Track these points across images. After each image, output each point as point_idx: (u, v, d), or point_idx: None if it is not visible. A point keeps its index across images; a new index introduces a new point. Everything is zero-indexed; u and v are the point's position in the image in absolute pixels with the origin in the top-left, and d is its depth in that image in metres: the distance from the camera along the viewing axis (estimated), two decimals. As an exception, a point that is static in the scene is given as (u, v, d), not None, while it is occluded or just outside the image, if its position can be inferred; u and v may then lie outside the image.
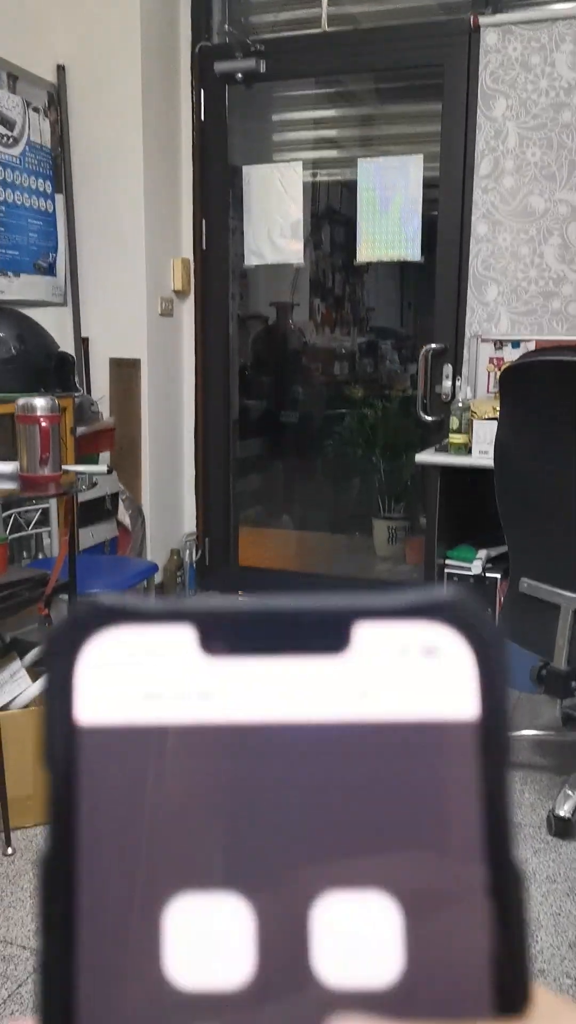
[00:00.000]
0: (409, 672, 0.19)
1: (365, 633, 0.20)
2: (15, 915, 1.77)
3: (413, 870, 0.19)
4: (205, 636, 0.20)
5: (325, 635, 0.20)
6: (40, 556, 2.95)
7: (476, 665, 0.20)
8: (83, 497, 2.98)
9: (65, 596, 2.49)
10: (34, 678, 2.10)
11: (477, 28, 3.04)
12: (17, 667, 2.12)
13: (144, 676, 0.19)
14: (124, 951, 0.19)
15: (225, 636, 0.20)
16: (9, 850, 1.94)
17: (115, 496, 3.22)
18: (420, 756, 0.19)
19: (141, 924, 0.19)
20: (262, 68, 3.38)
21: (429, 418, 3.25)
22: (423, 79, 3.37)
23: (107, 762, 0.19)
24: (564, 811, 2.04)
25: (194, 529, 3.74)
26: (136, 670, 0.19)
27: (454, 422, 2.86)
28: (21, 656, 2.17)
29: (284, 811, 0.19)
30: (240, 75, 3.41)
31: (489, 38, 3.03)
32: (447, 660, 0.20)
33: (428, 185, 3.33)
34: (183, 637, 0.20)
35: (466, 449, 2.81)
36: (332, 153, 3.66)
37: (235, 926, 0.19)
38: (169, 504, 3.64)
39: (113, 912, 0.19)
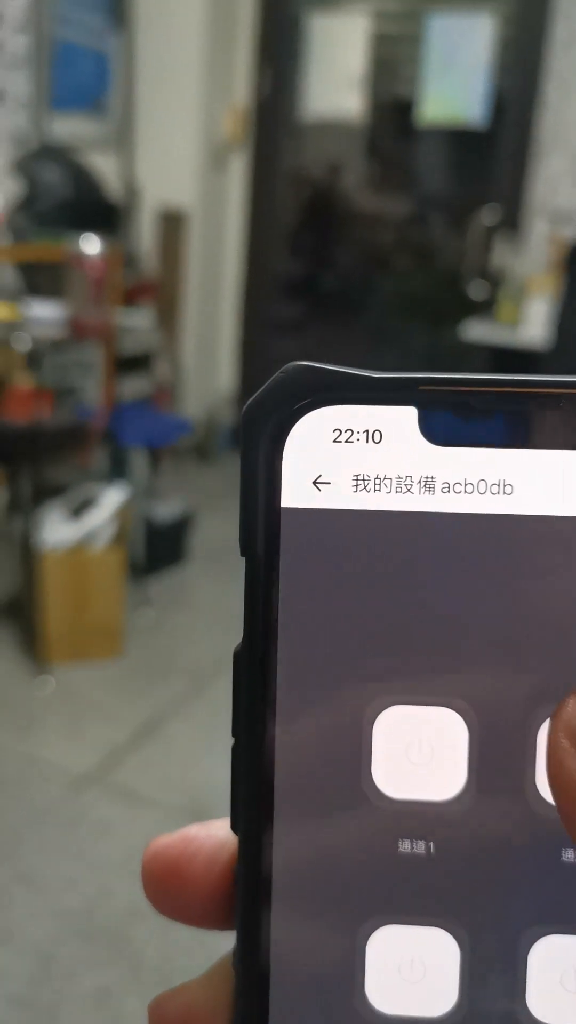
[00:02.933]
0: None
1: None
2: (52, 738, 1.87)
3: None
4: (431, 419, 0.17)
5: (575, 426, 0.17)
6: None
7: None
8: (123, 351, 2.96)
9: (105, 445, 2.52)
10: (74, 521, 2.15)
11: None
12: (60, 510, 2.16)
13: (357, 459, 0.17)
14: (327, 756, 0.18)
15: (455, 422, 0.17)
16: (51, 681, 2.03)
17: (156, 350, 3.20)
18: None
19: (347, 730, 0.18)
20: None
21: (478, 292, 3.19)
22: None
23: (311, 550, 0.17)
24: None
25: (231, 390, 3.73)
26: (349, 451, 0.17)
27: (505, 295, 2.81)
28: (64, 500, 2.21)
29: (515, 619, 0.17)
30: None
31: None
32: None
33: (498, 46, 3.18)
34: (405, 419, 0.17)
35: (514, 324, 2.77)
36: (399, 5, 3.48)
37: (450, 741, 0.18)
38: (208, 363, 3.63)
39: (315, 713, 0.18)
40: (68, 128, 3.07)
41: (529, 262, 3.01)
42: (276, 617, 0.18)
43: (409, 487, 0.17)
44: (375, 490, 0.17)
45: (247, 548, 0.18)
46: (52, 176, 2.76)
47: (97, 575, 2.09)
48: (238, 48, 3.42)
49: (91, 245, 2.18)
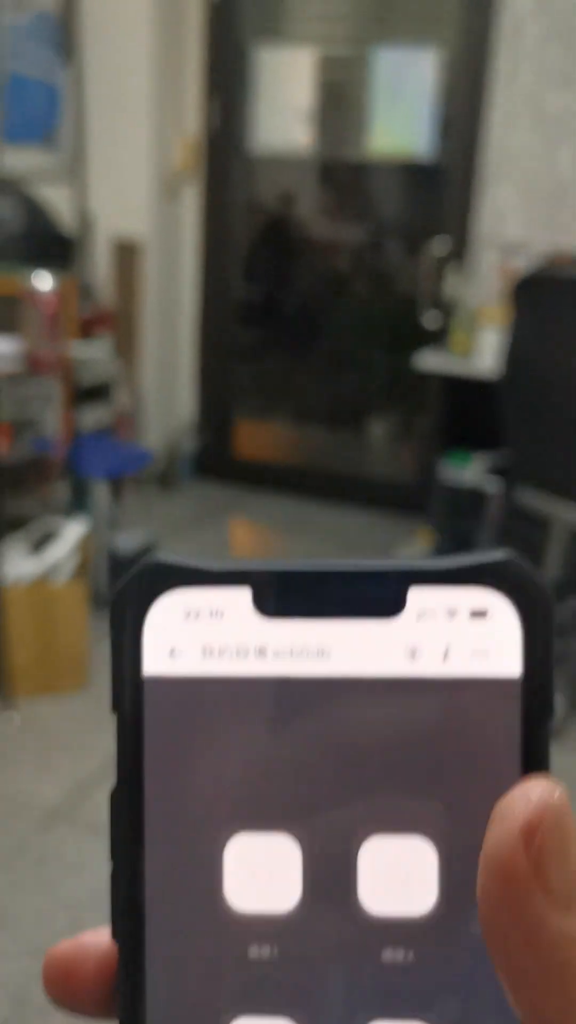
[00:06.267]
0: (457, 632, 0.21)
1: (418, 597, 0.21)
2: (20, 773, 1.87)
3: (452, 818, 0.21)
4: (262, 598, 0.21)
5: (379, 600, 0.21)
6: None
7: (522, 626, 0.21)
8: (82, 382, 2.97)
9: (65, 478, 2.53)
10: (36, 555, 2.15)
11: None
12: (21, 545, 2.17)
13: (204, 633, 0.21)
14: (187, 878, 0.21)
15: (280, 600, 0.21)
16: (16, 716, 2.03)
17: (114, 380, 3.22)
18: (465, 711, 0.21)
19: (203, 856, 0.21)
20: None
21: (431, 321, 3.24)
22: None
23: (170, 709, 0.21)
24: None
25: (192, 418, 3.76)
26: (197, 627, 0.21)
27: (456, 326, 2.87)
28: (24, 534, 2.21)
29: (335, 760, 0.21)
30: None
31: None
32: (494, 622, 0.21)
33: (443, 79, 3.26)
34: (241, 598, 0.21)
35: (466, 354, 2.83)
36: (345, 39, 3.55)
37: (288, 862, 0.21)
38: (167, 392, 3.65)
39: (176, 842, 0.21)
40: (20, 161, 3.08)
41: (480, 292, 3.08)
42: (142, 764, 0.21)
43: (247, 654, 0.21)
44: (219, 658, 0.21)
45: (117, 708, 0.21)
46: (4, 209, 2.77)
47: (60, 608, 2.10)
48: (187, 80, 3.46)
49: (44, 281, 2.19)
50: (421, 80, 3.32)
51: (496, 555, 0.21)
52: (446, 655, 0.21)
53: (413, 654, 0.21)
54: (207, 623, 0.21)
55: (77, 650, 2.14)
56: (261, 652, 0.21)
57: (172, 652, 0.21)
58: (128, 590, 0.21)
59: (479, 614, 0.21)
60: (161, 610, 0.21)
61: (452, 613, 0.21)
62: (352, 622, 0.21)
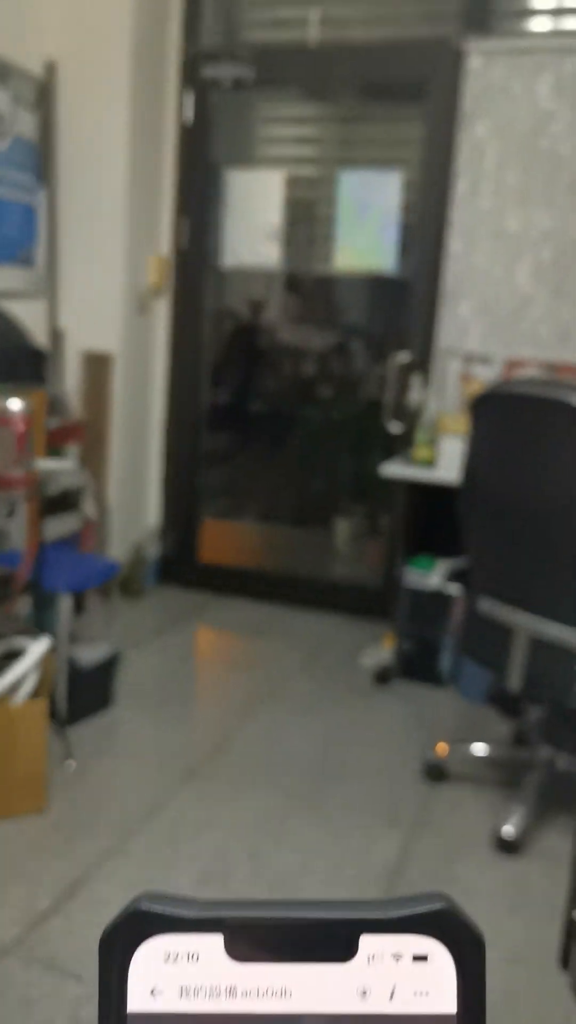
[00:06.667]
0: (402, 975, 0.24)
1: (367, 943, 0.24)
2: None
3: None
4: (232, 944, 0.24)
5: (335, 946, 0.24)
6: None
7: (457, 970, 0.24)
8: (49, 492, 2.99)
9: (29, 594, 2.51)
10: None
11: (462, 52, 3.09)
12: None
13: (181, 975, 0.24)
14: None
15: (249, 945, 0.24)
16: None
17: (81, 489, 3.24)
18: None
19: None
20: (250, 75, 3.42)
21: (396, 428, 3.29)
22: (407, 95, 3.43)
23: None
24: (509, 828, 2.11)
25: (157, 524, 3.78)
26: (175, 969, 0.24)
27: (420, 435, 2.91)
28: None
29: None
30: (228, 81, 3.44)
31: (473, 62, 3.08)
32: (434, 965, 0.24)
33: (406, 198, 3.38)
34: (214, 944, 0.24)
35: (429, 463, 2.87)
36: (313, 162, 3.70)
37: None
38: (134, 499, 3.68)
39: None
40: (-5, 279, 3.16)
41: (443, 401, 3.14)
42: None
43: (219, 994, 0.24)
44: (195, 996, 0.24)
45: None
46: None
47: (19, 729, 2.07)
48: (161, 200, 3.58)
49: (17, 401, 2.23)
50: (385, 200, 3.44)
51: (435, 904, 0.24)
52: (392, 995, 0.24)
53: (364, 994, 0.24)
54: (184, 966, 0.24)
55: (35, 771, 2.10)
56: (231, 992, 0.24)
57: (153, 991, 0.24)
58: (115, 935, 0.24)
59: (421, 958, 0.24)
60: (144, 954, 0.24)
61: (397, 957, 0.24)
62: (312, 965, 0.24)
